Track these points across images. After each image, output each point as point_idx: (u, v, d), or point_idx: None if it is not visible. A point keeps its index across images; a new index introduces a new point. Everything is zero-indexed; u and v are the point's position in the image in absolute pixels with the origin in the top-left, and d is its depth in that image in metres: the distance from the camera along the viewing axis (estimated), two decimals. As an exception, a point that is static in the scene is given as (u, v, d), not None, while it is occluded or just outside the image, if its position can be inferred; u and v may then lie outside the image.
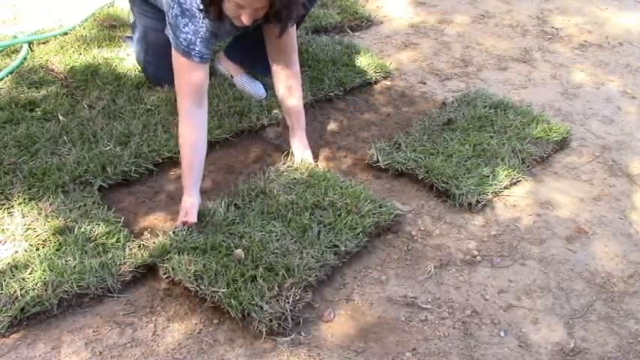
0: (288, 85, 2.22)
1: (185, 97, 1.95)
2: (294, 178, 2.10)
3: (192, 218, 1.86)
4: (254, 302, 1.62)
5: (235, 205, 1.97)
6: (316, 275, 1.74)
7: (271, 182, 2.07)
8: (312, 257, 1.77)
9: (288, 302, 1.65)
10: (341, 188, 2.06)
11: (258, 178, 2.10)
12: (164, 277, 1.73)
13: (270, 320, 1.60)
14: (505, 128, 2.45)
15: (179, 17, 1.91)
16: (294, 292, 1.67)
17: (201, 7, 1.88)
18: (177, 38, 1.92)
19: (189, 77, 1.94)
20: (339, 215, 1.94)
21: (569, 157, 2.44)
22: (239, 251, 1.76)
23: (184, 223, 1.85)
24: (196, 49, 1.91)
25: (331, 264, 1.79)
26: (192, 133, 1.96)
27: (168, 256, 1.74)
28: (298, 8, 1.93)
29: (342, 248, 1.83)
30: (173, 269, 1.71)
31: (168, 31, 1.97)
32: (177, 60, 1.95)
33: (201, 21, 1.91)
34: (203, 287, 1.66)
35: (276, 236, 1.84)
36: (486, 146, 2.33)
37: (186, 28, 1.91)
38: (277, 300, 1.64)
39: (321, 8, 3.37)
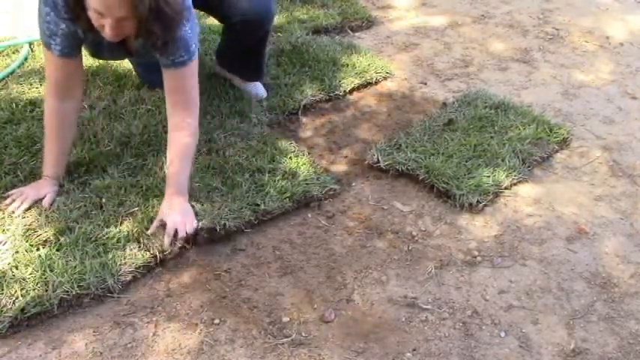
0: (174, 148, 1.92)
1: (48, 90, 1.91)
2: (250, 144, 2.23)
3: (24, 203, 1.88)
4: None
5: None
6: (225, 224, 1.87)
7: (228, 145, 2.21)
8: (229, 210, 1.91)
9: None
10: (288, 157, 2.18)
11: (218, 139, 2.23)
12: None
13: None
14: (506, 129, 2.45)
15: (42, 3, 1.77)
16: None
17: (67, 15, 1.73)
18: (41, 25, 1.80)
19: (51, 70, 1.88)
20: (274, 180, 2.05)
21: (570, 158, 2.44)
22: None
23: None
24: (57, 40, 1.79)
25: (246, 219, 1.92)
26: (53, 125, 1.93)
27: (109, 190, 1.96)
28: (175, 25, 1.73)
29: (262, 207, 1.95)
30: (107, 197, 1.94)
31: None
32: (43, 49, 1.86)
33: (62, 14, 1.75)
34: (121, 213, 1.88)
35: (208, 188, 1.98)
36: (487, 147, 2.33)
37: (48, 17, 1.76)
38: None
39: (321, 8, 3.38)
